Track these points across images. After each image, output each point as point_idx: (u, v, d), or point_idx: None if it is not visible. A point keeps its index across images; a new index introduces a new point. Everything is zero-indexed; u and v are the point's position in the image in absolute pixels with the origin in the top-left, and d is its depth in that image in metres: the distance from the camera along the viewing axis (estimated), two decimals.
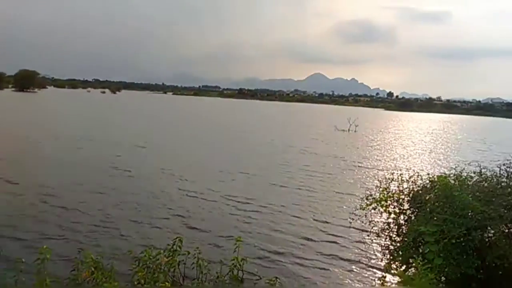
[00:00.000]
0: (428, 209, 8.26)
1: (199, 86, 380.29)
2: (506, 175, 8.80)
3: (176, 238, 11.19)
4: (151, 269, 9.98)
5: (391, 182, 9.29)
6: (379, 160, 35.45)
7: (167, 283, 9.73)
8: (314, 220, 16.84)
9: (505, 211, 7.89)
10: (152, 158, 29.64)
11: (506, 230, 8.24)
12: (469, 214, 7.81)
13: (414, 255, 7.91)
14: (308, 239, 14.72)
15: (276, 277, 10.76)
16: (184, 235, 12.30)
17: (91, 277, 9.40)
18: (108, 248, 12.80)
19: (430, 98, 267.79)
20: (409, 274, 7.80)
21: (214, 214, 16.98)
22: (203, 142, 41.24)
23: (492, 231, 8.09)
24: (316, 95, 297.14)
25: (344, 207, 18.34)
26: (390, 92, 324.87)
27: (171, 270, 10.84)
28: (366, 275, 12.17)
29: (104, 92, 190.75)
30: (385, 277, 8.95)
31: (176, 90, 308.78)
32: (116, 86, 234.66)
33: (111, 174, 22.99)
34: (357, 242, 14.24)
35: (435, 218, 7.89)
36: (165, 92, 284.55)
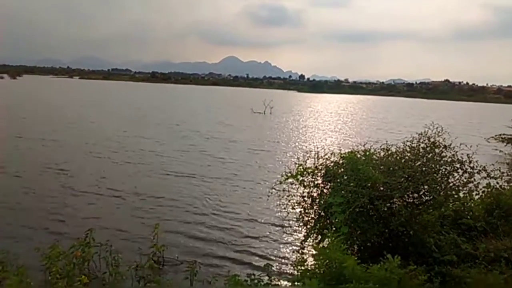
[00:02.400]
0: (337, 182, 8.80)
1: (109, 70, 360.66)
2: (408, 150, 9.59)
3: (88, 230, 10.74)
4: (65, 264, 9.52)
5: (308, 158, 9.68)
6: (296, 141, 36.59)
7: (83, 276, 9.36)
8: (228, 207, 16.78)
9: (406, 182, 8.66)
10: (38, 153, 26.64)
11: (408, 200, 9.08)
12: (373, 185, 8.44)
13: (327, 226, 8.44)
14: (225, 224, 14.78)
15: (195, 261, 10.87)
16: (95, 229, 11.80)
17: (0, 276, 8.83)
18: (10, 247, 11.86)
19: (339, 80, 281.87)
20: (324, 245, 8.26)
21: (120, 208, 16.02)
22: (102, 128, 38.17)
23: (396, 201, 8.83)
24: (231, 78, 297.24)
25: (260, 190, 18.71)
26: (302, 75, 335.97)
27: (86, 263, 10.43)
28: (284, 250, 12.69)
29: (2, 78, 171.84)
30: (303, 248, 9.36)
31: (83, 74, 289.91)
32: (15, 71, 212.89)
33: None
34: (275, 217, 14.80)
35: (342, 191, 8.44)
36: (71, 76, 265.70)
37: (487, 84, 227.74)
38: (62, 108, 55.45)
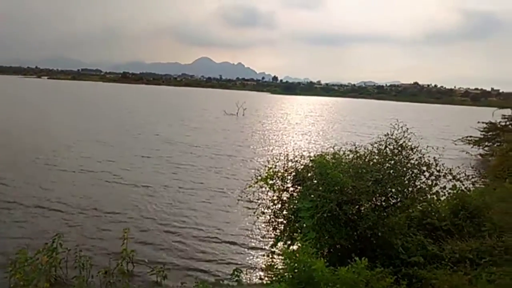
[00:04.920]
0: (306, 185, 8.81)
1: (78, 70, 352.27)
2: (376, 152, 9.67)
3: (56, 235, 10.44)
4: (29, 271, 9.19)
5: (278, 161, 9.63)
6: (268, 144, 36.43)
7: (46, 284, 9.06)
8: (196, 215, 16.25)
9: (373, 186, 8.74)
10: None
11: (376, 203, 9.17)
12: (341, 189, 8.47)
13: (297, 230, 8.43)
14: (193, 232, 14.43)
15: (163, 265, 10.70)
16: (63, 232, 11.43)
17: None
18: None
19: (311, 82, 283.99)
20: (293, 248, 8.25)
21: (87, 220, 15.12)
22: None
23: (364, 204, 8.90)
24: (204, 79, 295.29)
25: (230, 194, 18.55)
26: (275, 76, 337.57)
27: (52, 269, 10.11)
28: (253, 255, 12.60)
29: None
30: (273, 252, 9.32)
31: (52, 74, 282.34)
32: None
33: None
34: (244, 222, 14.58)
35: (311, 195, 8.44)
36: (39, 77, 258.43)
37: (454, 87, 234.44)
38: None
